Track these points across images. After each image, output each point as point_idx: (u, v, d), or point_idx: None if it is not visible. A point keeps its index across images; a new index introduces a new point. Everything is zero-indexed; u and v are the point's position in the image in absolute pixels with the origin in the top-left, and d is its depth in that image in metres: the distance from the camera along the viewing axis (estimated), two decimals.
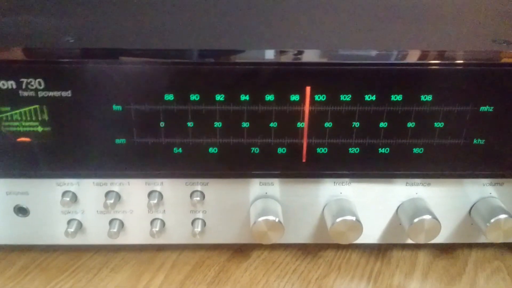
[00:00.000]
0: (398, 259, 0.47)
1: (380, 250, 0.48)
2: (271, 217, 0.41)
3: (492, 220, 0.42)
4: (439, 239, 0.46)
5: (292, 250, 0.48)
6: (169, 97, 0.39)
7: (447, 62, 0.39)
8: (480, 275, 0.45)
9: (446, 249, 0.48)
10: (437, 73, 0.38)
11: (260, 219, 0.41)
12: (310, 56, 0.39)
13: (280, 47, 0.40)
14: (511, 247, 0.49)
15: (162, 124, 0.40)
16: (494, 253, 0.48)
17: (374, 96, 0.39)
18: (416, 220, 0.41)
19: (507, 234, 0.42)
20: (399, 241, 0.47)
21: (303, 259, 0.47)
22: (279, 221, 0.41)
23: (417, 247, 0.49)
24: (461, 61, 0.39)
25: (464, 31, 0.47)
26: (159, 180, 0.43)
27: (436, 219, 0.42)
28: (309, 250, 0.48)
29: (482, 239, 0.47)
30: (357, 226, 0.41)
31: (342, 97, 0.39)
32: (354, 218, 0.41)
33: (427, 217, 0.41)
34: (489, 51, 0.40)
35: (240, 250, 0.48)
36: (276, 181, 0.43)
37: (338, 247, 0.48)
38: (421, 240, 0.42)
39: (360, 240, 0.45)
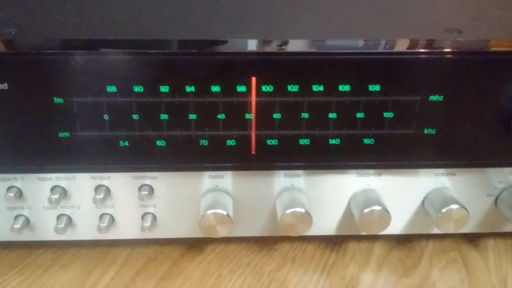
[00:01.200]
0: (353, 250, 0.47)
1: (337, 242, 0.48)
2: (219, 211, 0.40)
3: (443, 210, 0.41)
4: (394, 230, 0.46)
5: (248, 243, 0.47)
6: (111, 89, 0.38)
7: (395, 51, 0.38)
8: (435, 266, 0.45)
9: (403, 240, 0.48)
10: (385, 62, 0.38)
11: (209, 212, 0.40)
12: (255, 46, 0.38)
13: (224, 37, 0.39)
14: (469, 238, 0.48)
15: (106, 116, 0.39)
16: (451, 244, 0.48)
17: (322, 86, 0.38)
18: (366, 210, 0.41)
19: (458, 225, 0.42)
20: (355, 233, 0.47)
21: (258, 252, 0.46)
22: (228, 215, 0.40)
23: (374, 238, 0.48)
24: (410, 50, 0.38)
25: (416, 20, 0.46)
26: (105, 175, 0.42)
27: (386, 210, 0.41)
28: (265, 243, 0.47)
29: (436, 230, 0.47)
30: (306, 218, 0.41)
31: (289, 88, 0.38)
32: (303, 210, 0.41)
33: (376, 207, 0.41)
34: (438, 40, 0.40)
35: (194, 245, 0.47)
36: (226, 174, 0.43)
37: (294, 239, 0.48)
38: (372, 231, 0.42)
39: (314, 232, 0.45)
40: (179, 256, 0.46)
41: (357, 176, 0.43)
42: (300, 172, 0.43)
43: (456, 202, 0.42)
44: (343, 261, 0.46)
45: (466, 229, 0.46)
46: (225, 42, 0.38)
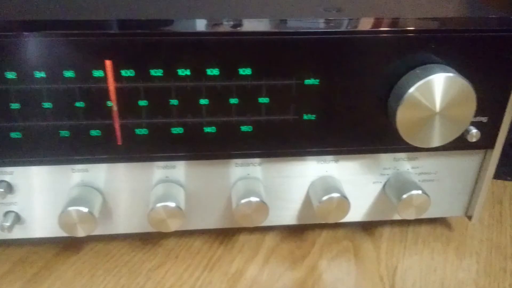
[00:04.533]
0: (243, 243, 0.45)
1: (227, 235, 0.45)
2: (82, 208, 0.37)
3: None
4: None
5: (132, 240, 0.44)
6: None
7: (266, 31, 0.36)
8: (325, 256, 0.44)
9: (295, 231, 0.46)
10: (256, 44, 0.35)
11: (70, 208, 0.37)
12: (112, 26, 0.35)
13: (78, 17, 0.36)
14: (365, 226, 0.47)
15: None
16: (345, 232, 0.47)
17: (189, 70, 0.36)
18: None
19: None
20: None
21: (140, 249, 0.44)
22: (89, 212, 0.37)
23: (266, 230, 0.46)
24: (282, 31, 0.36)
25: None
26: None
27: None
28: (150, 239, 0.45)
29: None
30: (179, 212, 0.38)
31: (152, 72, 0.35)
32: (173, 204, 0.38)
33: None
34: (311, 20, 0.38)
35: (72, 244, 0.44)
36: (90, 167, 0.39)
37: (181, 234, 0.45)
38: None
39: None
40: (53, 256, 0.43)
41: (236, 166, 0.41)
42: (176, 162, 0.40)
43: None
44: (230, 255, 0.43)
45: (358, 217, 0.45)
46: (76, 22, 0.35)
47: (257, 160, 0.41)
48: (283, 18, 0.37)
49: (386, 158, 0.42)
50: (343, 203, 0.39)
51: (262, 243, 0.45)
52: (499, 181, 0.56)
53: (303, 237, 0.46)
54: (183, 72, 0.36)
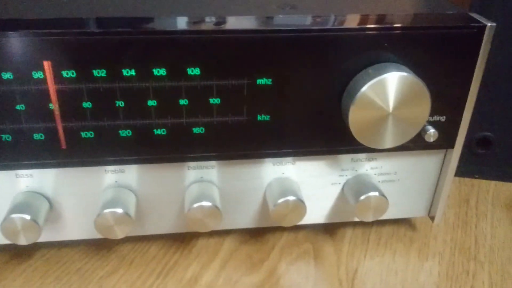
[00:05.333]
0: (201, 248, 0.43)
1: (184, 240, 0.44)
2: (24, 216, 0.36)
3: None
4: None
5: (85, 246, 0.43)
6: None
7: (214, 29, 0.34)
8: (284, 260, 0.42)
9: (256, 234, 0.45)
10: (205, 43, 0.34)
11: (13, 216, 0.35)
12: (49, 25, 0.33)
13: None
14: (327, 228, 0.46)
15: None
16: (307, 235, 0.45)
17: (133, 70, 0.34)
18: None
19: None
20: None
21: (93, 256, 0.42)
22: (32, 220, 0.36)
23: (226, 233, 0.45)
24: (230, 28, 0.34)
25: None
26: None
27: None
28: (104, 245, 0.43)
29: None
30: (127, 219, 0.37)
31: (95, 73, 0.34)
32: (121, 211, 0.36)
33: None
34: (262, 17, 0.36)
35: (23, 251, 0.42)
36: (35, 172, 0.38)
37: (137, 240, 0.44)
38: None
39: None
40: (2, 264, 0.41)
41: (189, 169, 0.39)
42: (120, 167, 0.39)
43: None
44: (186, 260, 0.42)
45: (318, 220, 0.44)
46: (13, 21, 0.33)
47: (211, 162, 0.40)
48: (232, 16, 0.36)
49: (344, 159, 0.41)
50: (299, 206, 0.38)
51: (221, 247, 0.44)
52: (467, 179, 0.55)
53: (264, 240, 0.45)
54: (127, 72, 0.34)
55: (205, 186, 0.40)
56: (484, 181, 0.55)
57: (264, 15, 0.37)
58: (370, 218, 0.40)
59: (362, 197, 0.39)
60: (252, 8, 0.39)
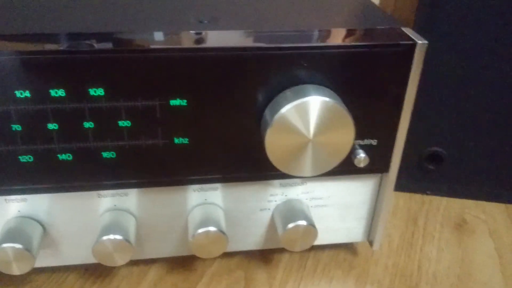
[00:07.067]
0: (122, 278, 0.40)
1: (106, 268, 0.41)
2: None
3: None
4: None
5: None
6: None
7: (119, 48, 0.31)
8: None
9: (185, 260, 0.42)
10: (104, 62, 0.31)
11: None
12: None
13: None
14: (262, 253, 0.43)
15: None
16: (240, 261, 0.43)
17: (28, 92, 0.31)
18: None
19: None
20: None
21: (7, 286, 0.39)
22: None
23: (152, 261, 0.42)
24: (133, 48, 0.31)
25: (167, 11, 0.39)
26: None
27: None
28: (17, 276, 0.40)
29: None
30: (26, 255, 0.33)
31: None
32: (20, 246, 0.33)
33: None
34: (175, 32, 0.33)
35: None
36: None
37: (53, 270, 0.40)
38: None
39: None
40: None
41: (100, 198, 0.36)
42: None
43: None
44: None
45: (250, 247, 0.41)
46: None
47: (125, 190, 0.36)
48: (139, 31, 0.33)
49: (272, 184, 0.38)
50: (220, 237, 0.35)
51: (145, 276, 0.41)
52: (418, 195, 0.53)
53: (192, 267, 0.42)
54: (21, 94, 0.31)
55: (118, 215, 0.36)
56: (435, 197, 0.53)
57: (178, 29, 0.34)
58: (297, 248, 0.37)
59: (289, 226, 0.36)
60: (166, 22, 0.36)
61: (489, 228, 0.48)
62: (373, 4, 0.42)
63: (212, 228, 0.35)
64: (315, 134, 0.31)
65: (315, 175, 0.33)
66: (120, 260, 0.36)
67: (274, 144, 0.31)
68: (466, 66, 0.45)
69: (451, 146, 0.50)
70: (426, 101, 0.46)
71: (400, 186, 0.53)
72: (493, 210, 0.51)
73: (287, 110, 0.30)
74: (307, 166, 0.32)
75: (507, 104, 0.47)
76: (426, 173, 0.52)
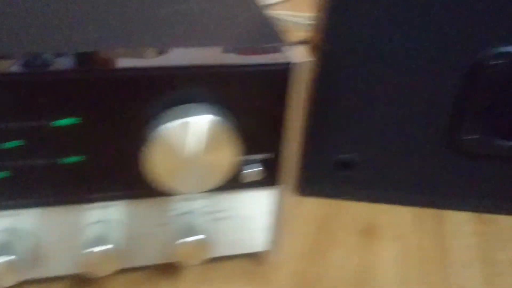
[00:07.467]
0: None
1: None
2: None
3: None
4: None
5: None
6: None
7: None
8: None
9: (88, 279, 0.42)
10: None
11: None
12: None
13: None
14: (166, 267, 0.43)
15: None
16: (142, 275, 0.43)
17: None
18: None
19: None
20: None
21: None
22: None
23: (52, 280, 0.41)
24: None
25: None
26: None
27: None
28: None
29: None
30: None
31: None
32: None
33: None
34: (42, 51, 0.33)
35: None
36: None
37: None
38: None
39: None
40: None
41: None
42: None
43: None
44: None
45: (150, 261, 0.41)
46: None
47: (15, 211, 0.36)
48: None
49: (173, 199, 0.38)
50: (111, 255, 0.35)
51: None
52: (329, 201, 0.54)
53: (94, 285, 0.42)
54: None
55: (13, 234, 0.36)
56: (346, 203, 0.54)
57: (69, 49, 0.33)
58: (192, 262, 0.38)
59: (179, 242, 0.36)
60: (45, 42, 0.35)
61: (396, 232, 0.50)
62: (271, 18, 0.43)
63: (100, 248, 0.35)
64: (194, 152, 0.32)
65: (198, 191, 0.34)
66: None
67: (153, 164, 0.32)
68: (373, 72, 0.46)
69: (363, 151, 0.51)
70: (338, 108, 0.47)
71: (313, 191, 0.54)
72: (402, 215, 0.53)
73: (164, 130, 0.31)
74: (188, 183, 0.33)
75: (415, 111, 0.48)
76: (339, 179, 0.53)
